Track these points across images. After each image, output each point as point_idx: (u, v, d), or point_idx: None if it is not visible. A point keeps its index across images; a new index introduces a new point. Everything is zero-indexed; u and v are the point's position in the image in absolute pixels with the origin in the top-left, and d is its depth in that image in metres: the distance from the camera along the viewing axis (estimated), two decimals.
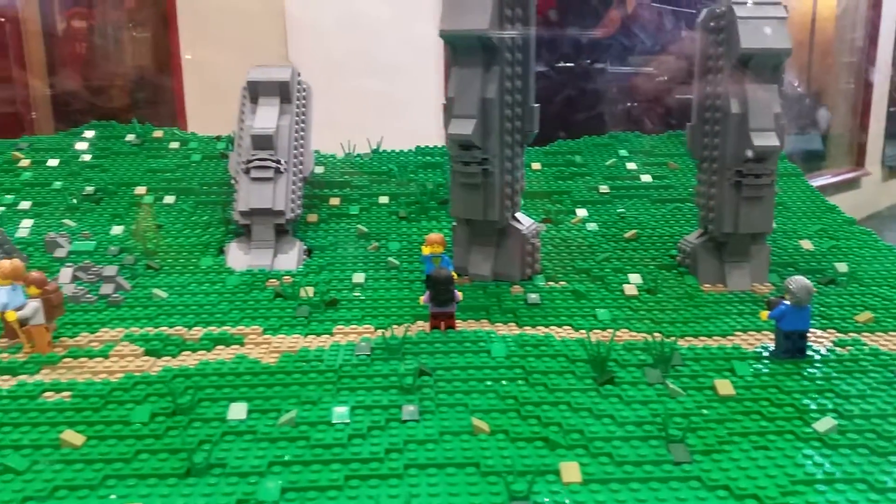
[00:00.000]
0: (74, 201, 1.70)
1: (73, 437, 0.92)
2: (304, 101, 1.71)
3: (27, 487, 0.83)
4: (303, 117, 1.70)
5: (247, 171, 1.56)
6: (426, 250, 1.37)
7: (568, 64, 2.91)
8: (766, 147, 1.31)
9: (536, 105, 1.32)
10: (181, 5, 2.53)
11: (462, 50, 1.26)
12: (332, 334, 1.24)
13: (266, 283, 1.41)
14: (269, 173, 1.55)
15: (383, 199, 1.78)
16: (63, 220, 1.63)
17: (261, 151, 1.56)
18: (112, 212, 1.68)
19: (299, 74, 1.71)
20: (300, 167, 1.64)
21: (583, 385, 1.05)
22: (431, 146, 1.99)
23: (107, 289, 1.34)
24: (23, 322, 1.14)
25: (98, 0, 3.00)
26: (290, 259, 1.52)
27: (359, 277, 1.44)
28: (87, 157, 1.87)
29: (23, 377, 1.08)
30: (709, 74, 1.40)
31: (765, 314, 1.16)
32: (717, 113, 1.39)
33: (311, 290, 1.37)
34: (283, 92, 1.66)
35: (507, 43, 1.25)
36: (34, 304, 1.14)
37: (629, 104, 3.01)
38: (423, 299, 1.22)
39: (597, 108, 2.93)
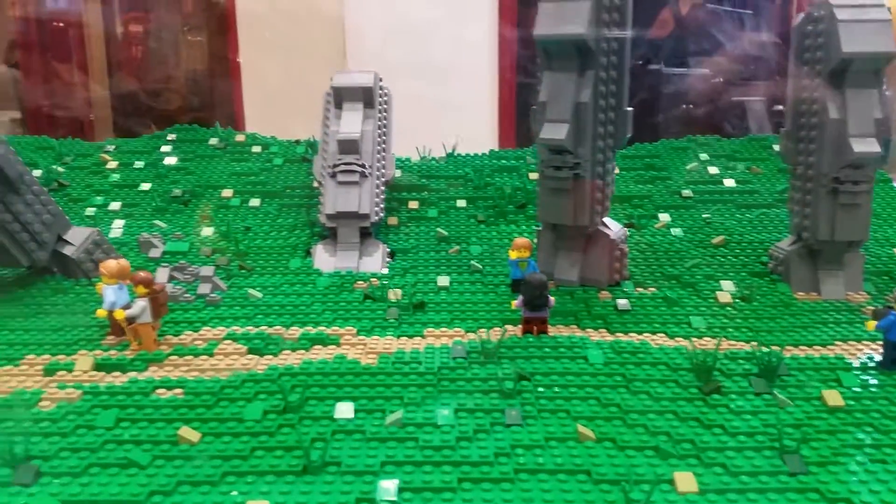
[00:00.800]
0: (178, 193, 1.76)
1: (189, 433, 0.95)
2: (385, 106, 1.74)
3: (151, 482, 0.87)
4: (384, 122, 1.72)
5: (333, 175, 1.59)
6: (513, 255, 1.37)
7: None
8: (866, 153, 1.28)
9: (629, 109, 1.31)
10: (240, 10, 2.58)
11: (557, 55, 1.26)
12: (423, 336, 1.25)
13: (354, 285, 1.44)
14: (355, 177, 1.57)
15: (461, 203, 1.78)
16: (154, 221, 1.68)
17: (346, 156, 1.59)
18: (201, 213, 1.73)
19: (381, 79, 1.74)
20: (382, 171, 1.67)
21: (688, 394, 1.04)
22: (506, 150, 2.00)
23: (204, 288, 1.38)
24: (130, 320, 1.19)
25: (154, 4, 3.10)
26: (374, 261, 1.54)
27: (443, 280, 1.45)
28: (172, 160, 1.94)
29: (132, 374, 1.12)
30: (804, 79, 1.37)
31: (871, 325, 1.13)
32: (812, 118, 1.36)
33: (398, 293, 1.39)
34: (366, 97, 1.68)
35: (603, 47, 1.25)
36: (142, 303, 1.18)
37: (687, 106, 2.97)
38: (515, 304, 1.22)
39: (657, 110, 2.90)
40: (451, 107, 2.42)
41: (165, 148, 1.98)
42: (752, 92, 2.59)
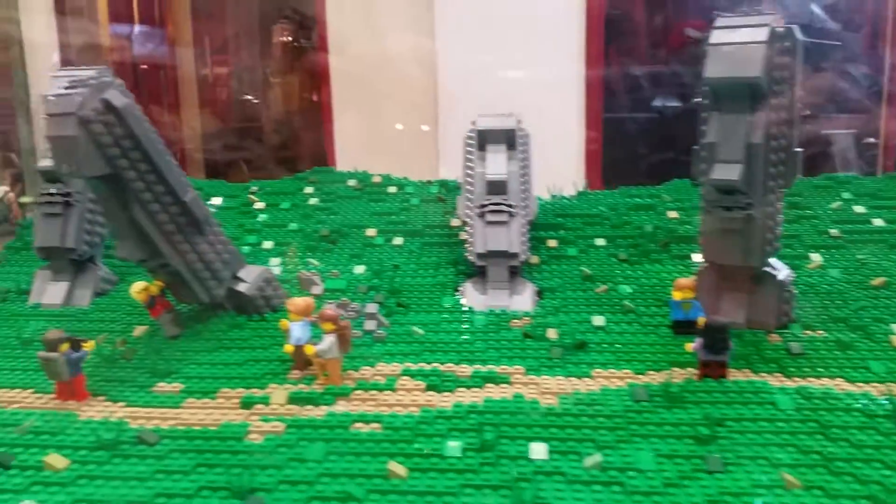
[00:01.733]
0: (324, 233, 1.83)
1: (398, 468, 0.99)
2: (524, 147, 1.78)
3: None
4: (525, 162, 1.76)
5: (481, 215, 1.63)
6: (677, 295, 1.37)
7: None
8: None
9: (799, 150, 1.30)
10: (333, 55, 2.66)
11: (728, 96, 1.27)
12: (592, 377, 1.26)
13: (510, 324, 1.46)
14: (504, 217, 1.61)
15: (599, 241, 1.80)
16: (308, 260, 1.76)
17: (495, 196, 1.63)
18: (350, 252, 1.80)
19: (520, 122, 1.78)
20: (526, 210, 1.70)
21: (890, 442, 1.01)
22: (637, 187, 2.00)
23: (370, 325, 1.43)
24: (318, 356, 1.24)
25: (240, 46, 3.25)
26: (524, 300, 1.56)
27: (599, 320, 1.46)
28: (314, 201, 2.02)
29: (328, 408, 1.16)
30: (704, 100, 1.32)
31: None
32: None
33: (554, 332, 1.40)
34: (508, 139, 1.73)
35: (774, 89, 1.25)
36: (330, 339, 1.23)
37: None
38: (692, 347, 1.22)
39: None
40: (540, 147, 2.45)
41: (308, 189, 2.08)
42: (840, 125, 2.52)
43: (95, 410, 1.18)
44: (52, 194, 1.59)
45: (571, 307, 1.55)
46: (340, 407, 1.17)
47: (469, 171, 1.75)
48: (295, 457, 1.02)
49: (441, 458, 1.01)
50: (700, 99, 1.35)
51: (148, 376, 1.30)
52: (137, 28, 3.23)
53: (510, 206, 1.62)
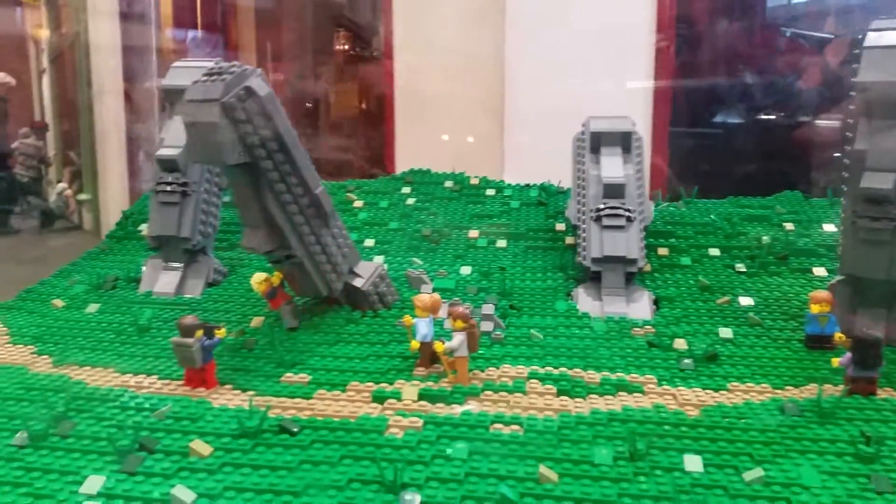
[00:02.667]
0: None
1: (549, 473, 0.95)
2: (639, 151, 1.74)
3: None
4: (640, 167, 1.72)
5: (597, 219, 1.59)
6: (814, 308, 1.31)
7: (769, 116, 2.77)
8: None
9: None
10: (397, 62, 2.68)
11: (881, 101, 1.22)
12: (728, 390, 1.21)
13: (632, 331, 1.42)
14: (622, 221, 1.57)
15: (713, 251, 1.74)
16: (412, 259, 1.74)
17: (611, 200, 1.59)
18: (453, 252, 1.78)
19: (634, 125, 1.74)
20: (643, 216, 1.66)
21: None
22: (748, 197, 1.94)
23: (486, 326, 1.41)
24: (447, 353, 1.22)
25: (298, 55, 3.29)
26: (643, 308, 1.51)
27: (726, 332, 1.41)
28: (411, 201, 2.02)
29: (463, 406, 1.13)
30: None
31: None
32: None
33: (683, 343, 1.35)
34: (624, 142, 1.69)
35: None
36: (460, 337, 1.21)
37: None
38: (839, 362, 1.16)
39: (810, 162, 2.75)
40: None
41: (406, 189, 2.07)
42: None
43: (226, 399, 1.18)
44: (168, 183, 1.62)
45: (693, 318, 1.49)
46: (472, 407, 1.15)
47: (580, 174, 1.72)
48: (438, 454, 1.00)
49: (592, 465, 0.97)
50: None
51: (273, 367, 1.29)
52: (199, 33, 3.30)
53: (628, 210, 1.59)
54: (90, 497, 0.89)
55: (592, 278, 1.59)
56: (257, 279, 1.44)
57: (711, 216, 1.85)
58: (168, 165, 1.61)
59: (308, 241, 1.37)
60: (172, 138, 1.63)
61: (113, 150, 3.12)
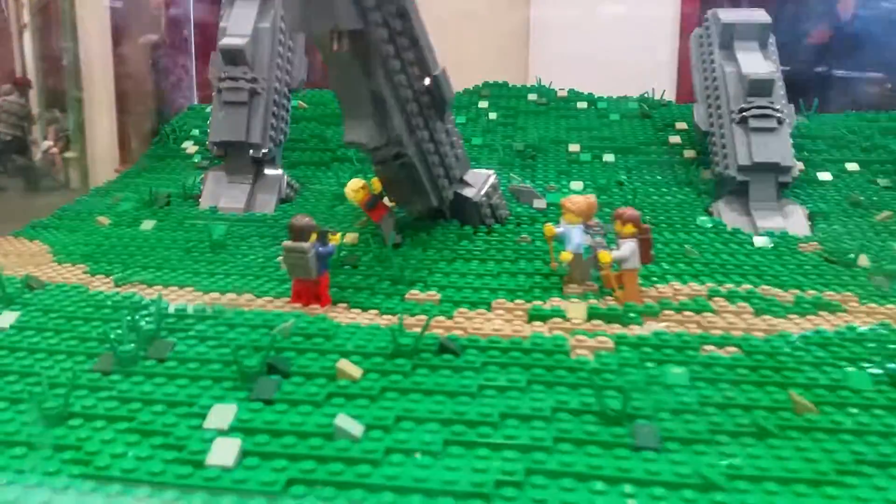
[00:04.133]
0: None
1: (803, 400, 0.74)
2: (774, 48, 1.50)
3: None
4: (778, 64, 1.48)
5: (741, 122, 1.36)
6: None
7: None
8: None
9: None
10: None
11: None
12: None
13: (799, 247, 1.21)
14: (772, 123, 1.33)
15: (851, 166, 1.52)
16: (510, 175, 1.51)
17: (758, 98, 1.36)
18: (555, 168, 1.55)
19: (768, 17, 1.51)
20: (789, 119, 1.42)
21: None
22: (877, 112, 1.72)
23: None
24: (613, 266, 1.00)
25: None
26: (799, 223, 1.28)
27: None
28: (493, 115, 1.78)
29: (637, 328, 0.91)
30: None
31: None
32: None
33: (865, 260, 1.14)
34: (760, 35, 1.45)
35: None
36: (631, 245, 0.99)
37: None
38: None
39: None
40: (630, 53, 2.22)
41: (483, 104, 1.83)
42: None
43: (347, 317, 0.95)
44: (235, 79, 1.36)
45: (857, 233, 1.29)
46: (663, 326, 0.93)
47: (709, 74, 1.49)
48: (653, 380, 0.78)
49: (846, 389, 0.77)
50: None
51: (388, 284, 1.07)
52: None
53: (777, 109, 1.36)
54: (222, 432, 0.67)
55: (734, 191, 1.38)
56: (354, 186, 1.20)
57: (841, 130, 1.64)
58: (233, 57, 1.34)
59: (421, 137, 1.13)
60: (236, 26, 1.36)
61: (101, 106, 2.94)
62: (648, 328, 0.92)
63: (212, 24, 1.54)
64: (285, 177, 1.43)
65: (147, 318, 0.89)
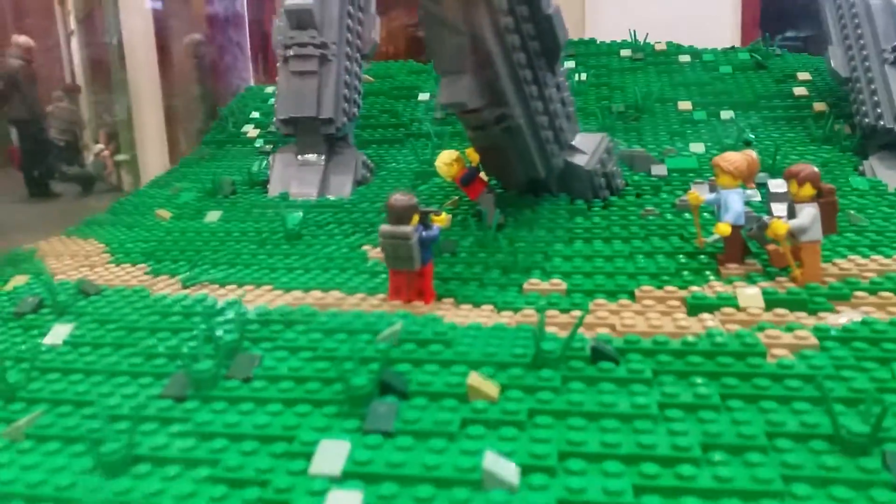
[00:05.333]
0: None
1: None
2: None
3: None
4: None
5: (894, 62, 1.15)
6: None
7: None
8: None
9: None
10: None
11: None
12: None
13: None
14: None
15: None
16: (614, 140, 1.32)
17: None
18: (665, 129, 1.35)
19: None
20: None
21: None
22: None
23: (778, 208, 1.00)
24: (791, 237, 0.81)
25: None
26: None
27: None
28: (583, 76, 1.59)
29: (829, 315, 0.71)
30: None
31: None
32: None
33: None
34: None
35: None
36: (811, 211, 0.80)
37: None
38: None
39: None
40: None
41: (569, 64, 1.64)
42: None
43: (458, 315, 0.78)
44: (303, 45, 1.19)
45: None
46: (856, 313, 0.74)
47: (846, 10, 1.26)
48: (885, 387, 0.60)
49: None
50: None
51: (499, 273, 0.90)
52: None
53: None
54: (335, 480, 0.51)
55: (888, 145, 1.16)
56: (447, 158, 1.03)
57: None
58: (300, 18, 1.17)
59: (529, 93, 0.96)
60: None
61: (149, 108, 2.94)
62: (845, 316, 0.73)
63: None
64: (360, 155, 1.27)
65: (224, 327, 0.74)
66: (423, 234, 0.78)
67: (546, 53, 0.94)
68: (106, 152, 3.33)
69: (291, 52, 1.18)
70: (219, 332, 0.72)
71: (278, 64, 1.25)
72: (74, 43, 3.71)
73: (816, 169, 0.79)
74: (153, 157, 2.85)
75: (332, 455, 0.52)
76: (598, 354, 0.63)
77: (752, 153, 0.85)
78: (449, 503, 0.48)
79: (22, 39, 2.76)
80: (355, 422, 0.57)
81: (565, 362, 0.63)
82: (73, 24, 3.71)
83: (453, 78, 0.91)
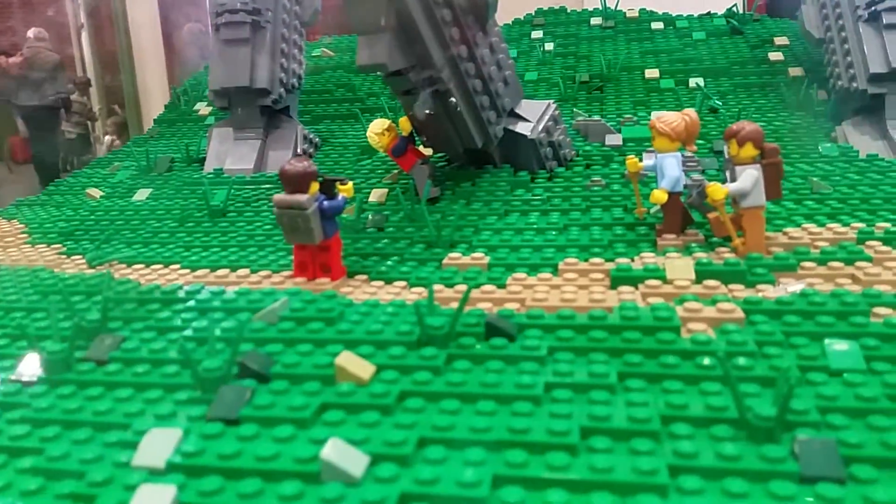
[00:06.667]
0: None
1: None
2: None
3: None
4: None
5: (871, 19, 1.05)
6: None
7: None
8: None
9: None
10: None
11: None
12: None
13: None
14: None
15: None
16: (574, 111, 1.25)
17: None
18: (630, 98, 1.27)
19: None
20: None
21: None
22: None
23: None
24: (731, 203, 0.73)
25: None
26: None
27: None
28: (549, 46, 1.51)
29: (771, 287, 0.64)
30: None
31: None
32: None
33: None
34: None
35: None
36: (752, 173, 0.70)
37: None
38: None
39: None
40: None
41: (536, 34, 1.56)
42: None
43: (365, 293, 0.73)
44: (234, 11, 1.12)
45: None
46: (798, 285, 0.67)
47: None
48: (812, 365, 0.53)
49: None
50: None
51: (422, 248, 0.83)
52: None
53: None
54: (155, 473, 0.44)
55: (862, 109, 1.08)
56: (377, 128, 0.96)
57: None
58: None
59: (458, 55, 0.89)
60: None
61: (156, 99, 2.97)
62: (785, 288, 0.65)
63: None
64: (301, 129, 1.20)
65: (96, 306, 0.68)
66: (325, 204, 0.71)
67: (474, 10, 0.86)
68: (117, 142, 3.35)
69: (223, 20, 1.12)
70: (92, 312, 0.66)
71: (211, 32, 1.18)
72: (84, 36, 3.72)
73: (759, 127, 0.71)
74: None
75: (158, 445, 0.45)
76: (491, 330, 0.56)
77: (692, 112, 0.77)
78: (276, 498, 0.41)
79: (37, 32, 2.71)
80: (203, 408, 0.51)
81: (455, 340, 0.56)
82: (83, 18, 3.71)
83: (372, 38, 0.84)
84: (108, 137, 3.38)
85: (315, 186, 0.71)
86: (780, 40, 1.39)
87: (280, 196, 0.70)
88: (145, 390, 0.54)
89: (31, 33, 2.66)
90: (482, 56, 0.90)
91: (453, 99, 0.88)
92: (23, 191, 2.43)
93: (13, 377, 0.57)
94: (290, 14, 1.18)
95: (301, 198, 0.69)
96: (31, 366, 0.57)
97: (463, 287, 0.69)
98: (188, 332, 0.60)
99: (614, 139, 1.09)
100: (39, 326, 0.66)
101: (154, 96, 3.22)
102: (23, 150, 2.94)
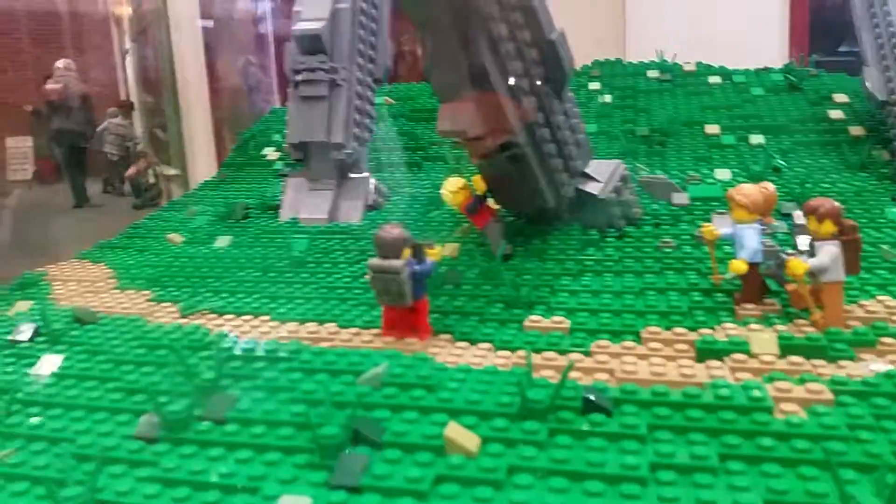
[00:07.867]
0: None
1: None
2: None
3: None
4: None
5: None
6: None
7: None
8: None
9: None
10: None
11: None
12: None
13: None
14: None
15: None
16: (637, 164, 1.28)
17: None
18: (690, 154, 1.30)
19: None
20: None
21: None
22: None
23: (803, 241, 0.94)
24: (810, 278, 0.76)
25: None
26: None
27: None
28: (606, 98, 1.55)
29: (851, 363, 0.67)
30: None
31: None
32: None
33: None
34: None
35: None
36: (833, 250, 0.74)
37: None
38: None
39: None
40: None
41: (594, 85, 1.60)
42: None
43: (451, 353, 0.75)
44: (312, 70, 1.19)
45: None
46: (882, 364, 0.68)
47: (883, 28, 1.20)
48: None
49: None
50: None
51: (501, 307, 0.86)
52: None
53: None
54: None
55: None
56: (452, 186, 1.00)
57: None
58: (310, 44, 1.17)
59: (536, 122, 0.92)
60: (312, 9, 1.19)
61: (199, 124, 3.04)
62: (868, 367, 0.67)
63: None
64: (372, 181, 1.25)
65: (208, 363, 0.73)
66: (416, 268, 0.75)
67: (551, 80, 0.90)
68: (160, 168, 3.47)
69: (301, 77, 1.18)
70: (201, 369, 0.70)
71: (289, 88, 1.24)
72: (129, 60, 3.86)
73: (838, 204, 0.74)
74: (202, 171, 2.95)
75: None
76: (589, 405, 0.59)
77: (770, 185, 0.79)
78: None
79: (66, 62, 2.84)
80: (323, 474, 0.54)
81: (554, 413, 0.59)
82: (128, 44, 3.86)
83: (452, 106, 0.88)
84: (172, 170, 3.50)
85: (407, 252, 0.74)
86: (840, 97, 1.41)
87: (375, 261, 0.74)
88: (264, 453, 0.57)
89: (60, 63, 2.78)
90: (557, 122, 0.94)
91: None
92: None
93: (136, 434, 0.61)
94: (364, 71, 1.24)
95: (395, 263, 0.72)
96: (151, 423, 0.62)
97: (552, 355, 0.71)
98: (299, 395, 0.63)
99: (681, 198, 1.11)
100: (152, 382, 0.70)
101: (196, 119, 3.21)
102: (50, 171, 3.08)
